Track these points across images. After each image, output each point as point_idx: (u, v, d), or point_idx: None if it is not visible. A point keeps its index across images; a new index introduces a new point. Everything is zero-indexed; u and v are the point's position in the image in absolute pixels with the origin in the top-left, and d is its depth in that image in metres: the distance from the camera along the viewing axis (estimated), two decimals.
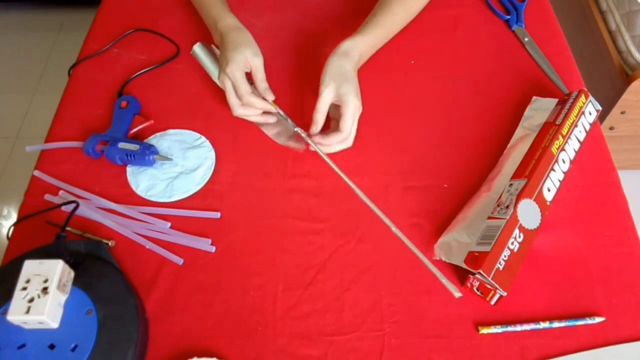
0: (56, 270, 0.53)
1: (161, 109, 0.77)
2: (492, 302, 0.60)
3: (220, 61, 0.72)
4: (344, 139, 0.68)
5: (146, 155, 0.70)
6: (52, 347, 0.52)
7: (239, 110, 0.71)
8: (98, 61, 0.84)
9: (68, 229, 0.64)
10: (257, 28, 0.87)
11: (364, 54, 0.72)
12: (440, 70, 0.82)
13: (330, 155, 0.69)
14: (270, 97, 0.72)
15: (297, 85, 0.80)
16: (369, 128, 0.73)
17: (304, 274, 0.63)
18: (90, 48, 0.85)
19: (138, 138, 0.74)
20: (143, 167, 0.71)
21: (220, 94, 0.79)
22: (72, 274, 0.56)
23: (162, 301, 0.61)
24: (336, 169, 0.67)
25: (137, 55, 0.84)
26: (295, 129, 0.69)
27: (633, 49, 1.19)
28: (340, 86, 0.67)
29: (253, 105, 0.71)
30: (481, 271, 0.56)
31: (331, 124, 0.72)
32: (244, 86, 0.70)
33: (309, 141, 0.69)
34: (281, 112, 0.71)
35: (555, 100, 0.74)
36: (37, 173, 0.71)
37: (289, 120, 0.71)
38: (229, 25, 0.74)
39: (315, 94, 0.79)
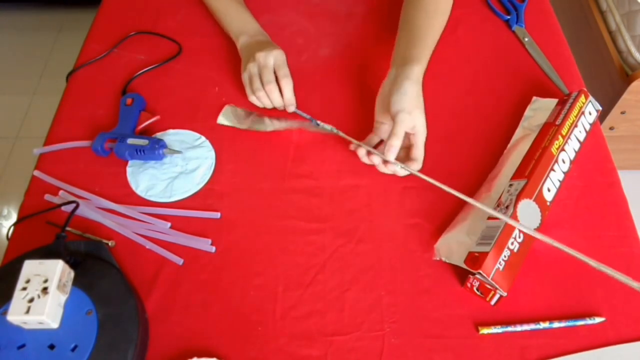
0: (56, 270, 0.53)
1: (161, 110, 0.77)
2: (492, 302, 0.60)
3: (259, 47, 0.74)
4: (417, 167, 0.68)
5: (156, 149, 0.70)
6: (52, 347, 0.52)
7: (264, 100, 0.75)
8: (97, 62, 0.84)
9: (68, 229, 0.64)
10: None
11: None
12: (440, 71, 0.82)
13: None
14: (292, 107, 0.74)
15: (297, 85, 0.80)
16: (369, 128, 0.73)
17: (304, 274, 0.63)
18: (90, 48, 0.85)
19: (146, 133, 0.75)
20: (143, 168, 0.71)
21: (220, 94, 0.79)
22: (72, 274, 0.56)
23: (162, 301, 0.61)
24: (436, 183, 0.64)
25: (136, 55, 0.84)
26: (387, 160, 0.66)
27: (633, 49, 1.19)
28: (418, 116, 0.66)
29: (270, 95, 0.73)
30: (481, 271, 0.56)
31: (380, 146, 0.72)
32: (270, 75, 0.73)
33: (400, 165, 0.66)
34: (351, 139, 0.70)
35: (555, 101, 0.74)
36: (37, 173, 0.71)
37: (372, 150, 0.69)
38: (265, 34, 0.80)
39: (317, 93, 0.79)
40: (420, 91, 0.68)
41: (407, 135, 0.68)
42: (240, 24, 0.81)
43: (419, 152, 0.67)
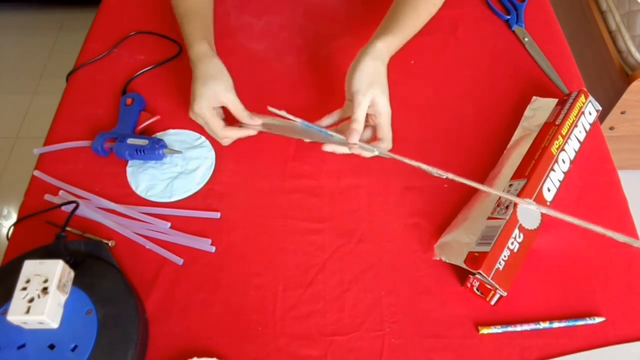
0: (56, 270, 0.53)
1: (161, 110, 0.77)
2: (492, 302, 0.60)
3: (191, 95, 0.68)
4: (386, 147, 0.67)
5: (155, 149, 0.70)
6: (52, 347, 0.52)
7: (227, 142, 0.71)
8: (97, 62, 0.84)
9: (68, 229, 0.64)
10: (257, 28, 0.87)
11: (391, 56, 0.69)
12: (440, 70, 0.82)
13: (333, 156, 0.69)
14: (258, 121, 0.70)
15: (296, 86, 0.80)
16: None
17: (304, 274, 0.63)
18: (90, 48, 0.85)
19: (146, 133, 0.75)
20: (143, 168, 0.71)
21: None
22: (72, 274, 0.56)
23: (162, 301, 0.61)
24: (408, 161, 0.63)
25: (136, 55, 0.84)
26: (351, 143, 0.65)
27: (633, 49, 1.19)
28: (377, 94, 0.64)
29: (231, 137, 0.70)
30: (481, 271, 0.56)
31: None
32: (216, 123, 0.68)
33: (367, 147, 0.66)
34: (315, 127, 0.69)
35: (555, 100, 0.74)
36: (37, 173, 0.71)
37: (334, 135, 0.68)
38: (199, 55, 0.70)
39: (317, 94, 0.79)
40: (381, 68, 0.66)
41: (369, 116, 0.67)
42: (187, 44, 0.73)
43: (383, 132, 0.66)
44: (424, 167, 0.62)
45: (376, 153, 0.66)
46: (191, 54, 0.71)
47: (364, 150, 0.66)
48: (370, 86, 0.64)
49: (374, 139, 0.68)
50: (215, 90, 0.67)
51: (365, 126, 0.68)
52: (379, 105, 0.65)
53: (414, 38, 0.74)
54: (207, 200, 0.69)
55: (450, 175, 0.61)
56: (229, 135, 0.70)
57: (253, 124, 0.70)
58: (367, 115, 0.67)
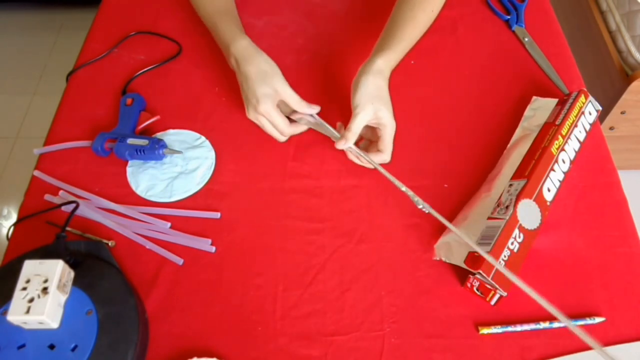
0: (56, 270, 0.53)
1: (161, 109, 0.77)
2: (492, 302, 0.60)
3: (248, 96, 0.69)
4: (384, 160, 0.68)
5: (155, 149, 0.70)
6: (52, 347, 0.52)
7: (283, 139, 0.73)
8: (97, 62, 0.84)
9: (68, 229, 0.64)
10: (257, 28, 0.87)
11: (392, 70, 0.71)
12: (440, 71, 0.82)
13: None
14: (316, 109, 0.71)
15: (296, 86, 0.80)
16: None
17: (304, 274, 0.63)
18: (90, 48, 0.85)
19: (146, 133, 0.75)
20: (143, 168, 0.71)
21: (220, 94, 0.79)
22: (72, 274, 0.56)
23: (162, 301, 0.61)
24: (393, 179, 0.65)
25: (136, 55, 0.84)
26: (348, 148, 0.67)
27: (633, 49, 1.19)
28: (379, 108, 0.65)
29: (294, 133, 0.72)
30: (481, 271, 0.56)
31: (359, 143, 0.72)
32: (283, 122, 0.69)
33: (360, 154, 0.67)
34: (324, 123, 0.70)
35: (555, 100, 0.74)
36: (37, 173, 0.71)
37: (330, 128, 0.70)
38: (243, 50, 0.70)
39: (317, 93, 0.79)
40: (382, 84, 0.67)
41: (374, 129, 0.68)
42: (224, 43, 0.74)
43: (384, 144, 0.67)
44: (409, 193, 0.64)
45: (365, 164, 0.68)
46: (234, 49, 0.71)
47: (355, 157, 0.69)
48: (369, 101, 0.65)
49: (371, 150, 0.69)
50: (274, 86, 0.68)
51: (362, 139, 0.71)
52: (382, 119, 0.66)
53: None
54: (207, 200, 0.69)
55: (432, 212, 0.62)
56: (292, 132, 0.72)
57: (311, 112, 0.70)
58: (371, 129, 0.69)
